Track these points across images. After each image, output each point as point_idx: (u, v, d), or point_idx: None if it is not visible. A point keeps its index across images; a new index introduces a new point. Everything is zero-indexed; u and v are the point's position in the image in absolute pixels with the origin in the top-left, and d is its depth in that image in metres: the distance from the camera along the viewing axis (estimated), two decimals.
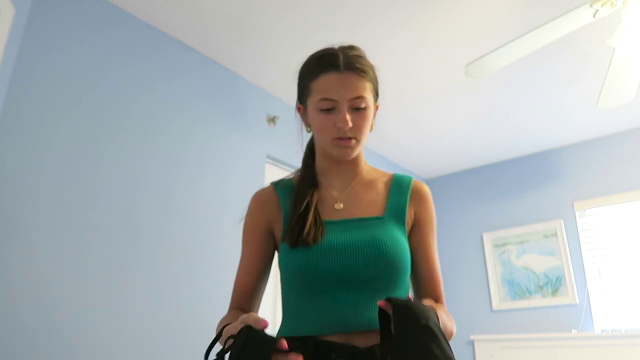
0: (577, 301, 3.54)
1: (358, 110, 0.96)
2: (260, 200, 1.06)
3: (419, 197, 1.04)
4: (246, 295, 1.03)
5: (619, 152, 3.67)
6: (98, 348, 1.88)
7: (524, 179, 4.06)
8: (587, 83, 3.01)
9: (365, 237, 0.92)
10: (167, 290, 2.20)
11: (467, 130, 3.66)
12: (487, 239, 4.07)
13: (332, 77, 0.95)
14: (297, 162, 3.08)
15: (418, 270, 1.00)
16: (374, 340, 0.86)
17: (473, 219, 4.23)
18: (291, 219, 0.96)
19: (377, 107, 1.06)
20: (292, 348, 0.78)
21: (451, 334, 0.90)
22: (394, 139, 3.78)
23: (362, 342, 0.86)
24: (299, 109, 1.07)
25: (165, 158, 2.35)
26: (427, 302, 0.86)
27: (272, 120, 3.00)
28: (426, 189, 1.06)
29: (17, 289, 1.70)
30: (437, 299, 0.99)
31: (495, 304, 3.88)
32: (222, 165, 2.64)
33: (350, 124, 0.94)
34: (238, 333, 0.69)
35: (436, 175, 4.58)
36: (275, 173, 3.04)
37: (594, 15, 1.82)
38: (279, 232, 1.01)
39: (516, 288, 3.83)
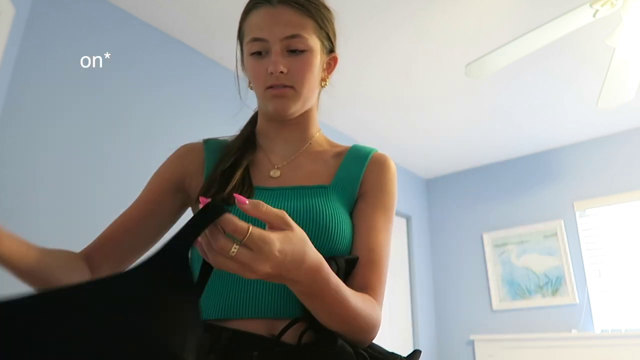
0: (577, 301, 3.53)
1: (295, 53, 0.77)
2: (183, 151, 0.92)
3: (376, 166, 0.83)
4: (108, 244, 0.83)
5: (619, 152, 3.67)
6: None
7: (524, 179, 4.06)
8: (587, 83, 3.01)
9: (297, 204, 0.74)
10: None
11: (467, 130, 3.66)
12: (487, 239, 4.07)
13: (262, 12, 0.76)
14: None
15: (353, 249, 0.76)
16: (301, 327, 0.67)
17: (473, 219, 4.23)
18: (212, 175, 0.79)
19: (334, 59, 0.88)
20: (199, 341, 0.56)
21: (367, 324, 0.68)
22: (394, 140, 3.78)
23: (289, 332, 0.67)
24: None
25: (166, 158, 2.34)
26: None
27: None
28: (389, 160, 0.85)
29: (16, 288, 1.70)
30: (366, 287, 0.72)
31: (495, 304, 3.88)
32: None
33: (283, 69, 0.75)
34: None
35: (436, 175, 4.58)
36: None
37: (594, 15, 1.82)
38: (195, 191, 0.84)
39: (516, 288, 3.83)
